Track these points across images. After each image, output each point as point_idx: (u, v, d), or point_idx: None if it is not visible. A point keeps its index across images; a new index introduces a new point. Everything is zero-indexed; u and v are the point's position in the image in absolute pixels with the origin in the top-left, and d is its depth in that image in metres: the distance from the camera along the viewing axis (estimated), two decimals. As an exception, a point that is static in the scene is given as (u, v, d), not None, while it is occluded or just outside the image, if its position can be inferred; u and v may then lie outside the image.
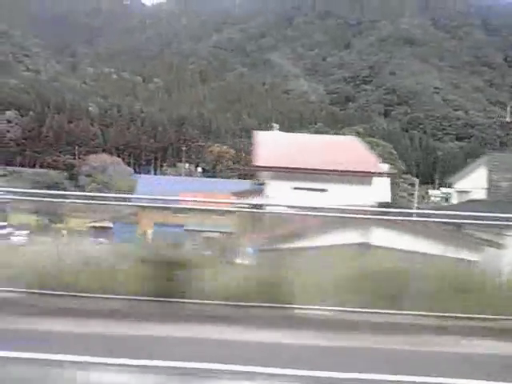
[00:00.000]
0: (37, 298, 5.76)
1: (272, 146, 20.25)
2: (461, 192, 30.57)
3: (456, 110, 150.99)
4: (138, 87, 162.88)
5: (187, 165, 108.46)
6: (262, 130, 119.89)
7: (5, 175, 49.74)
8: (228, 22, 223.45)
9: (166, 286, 5.72)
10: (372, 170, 18.20)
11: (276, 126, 35.88)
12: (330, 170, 17.13)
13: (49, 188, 59.32)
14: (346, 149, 20.92)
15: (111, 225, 42.09)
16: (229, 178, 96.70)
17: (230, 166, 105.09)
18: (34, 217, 49.29)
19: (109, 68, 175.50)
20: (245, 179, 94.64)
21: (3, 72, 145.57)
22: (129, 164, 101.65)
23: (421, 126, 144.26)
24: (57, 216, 50.35)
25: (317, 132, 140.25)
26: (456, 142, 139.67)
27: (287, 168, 17.28)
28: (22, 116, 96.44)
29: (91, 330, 5.19)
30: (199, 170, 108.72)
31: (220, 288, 5.81)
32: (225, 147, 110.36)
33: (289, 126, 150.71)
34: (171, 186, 48.39)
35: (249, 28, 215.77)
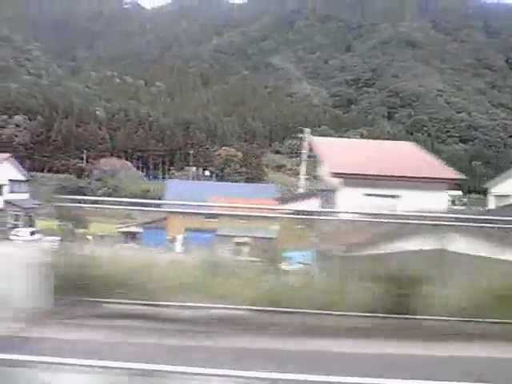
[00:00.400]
0: (265, 316, 5.70)
1: (335, 151, 20.27)
2: (499, 196, 30.66)
3: (459, 113, 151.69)
4: (141, 91, 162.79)
5: (194, 168, 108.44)
6: (270, 133, 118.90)
7: (28, 180, 49.41)
8: (228, 26, 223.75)
9: (400, 302, 5.69)
10: (444, 176, 18.23)
11: (307, 130, 36.01)
12: (404, 177, 17.17)
13: (74, 193, 59.10)
14: (410, 155, 20.95)
15: (140, 230, 42.03)
16: (236, 181, 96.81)
17: (237, 170, 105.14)
18: (57, 222, 49.31)
19: (111, 71, 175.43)
20: (253, 182, 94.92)
21: (5, 76, 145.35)
22: (137, 168, 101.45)
23: (425, 129, 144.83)
24: (79, 221, 50.33)
25: (322, 135, 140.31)
26: (460, 145, 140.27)
27: (361, 174, 17.28)
28: (30, 120, 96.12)
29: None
30: (207, 173, 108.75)
31: (450, 302, 5.79)
32: (232, 150, 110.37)
33: (293, 129, 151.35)
34: (201, 190, 48.17)
35: (249, 31, 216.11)
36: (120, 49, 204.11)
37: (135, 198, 79.78)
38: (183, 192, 44.55)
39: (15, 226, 41.56)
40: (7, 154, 46.36)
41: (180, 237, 41.15)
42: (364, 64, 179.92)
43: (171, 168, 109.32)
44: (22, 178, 46.37)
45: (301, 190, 37.41)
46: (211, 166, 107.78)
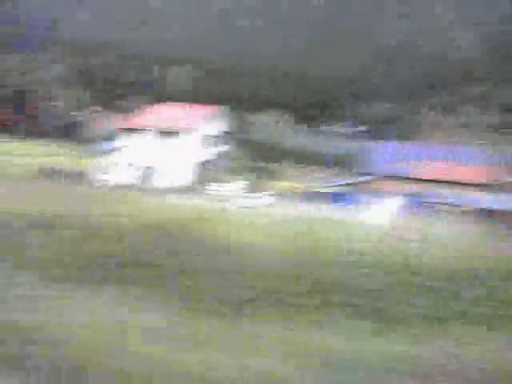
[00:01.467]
0: None
1: None
2: None
3: None
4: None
5: (345, 123, 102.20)
6: (419, 87, 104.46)
7: (230, 133, 46.67)
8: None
9: None
10: None
11: None
12: None
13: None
14: None
15: (327, 190, 38.67)
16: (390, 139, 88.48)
17: (397, 127, 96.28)
18: (240, 177, 45.85)
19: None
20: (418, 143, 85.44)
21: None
22: (286, 121, 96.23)
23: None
24: (265, 177, 46.12)
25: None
26: None
27: None
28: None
29: None
30: (360, 129, 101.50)
31: None
32: (388, 106, 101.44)
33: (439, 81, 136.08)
34: (411, 153, 43.50)
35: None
36: None
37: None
38: (393, 156, 41.14)
39: (217, 181, 39.34)
40: (217, 106, 44.01)
41: (389, 200, 35.57)
42: None
43: (322, 122, 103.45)
44: (225, 129, 43.78)
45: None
46: (366, 122, 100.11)
